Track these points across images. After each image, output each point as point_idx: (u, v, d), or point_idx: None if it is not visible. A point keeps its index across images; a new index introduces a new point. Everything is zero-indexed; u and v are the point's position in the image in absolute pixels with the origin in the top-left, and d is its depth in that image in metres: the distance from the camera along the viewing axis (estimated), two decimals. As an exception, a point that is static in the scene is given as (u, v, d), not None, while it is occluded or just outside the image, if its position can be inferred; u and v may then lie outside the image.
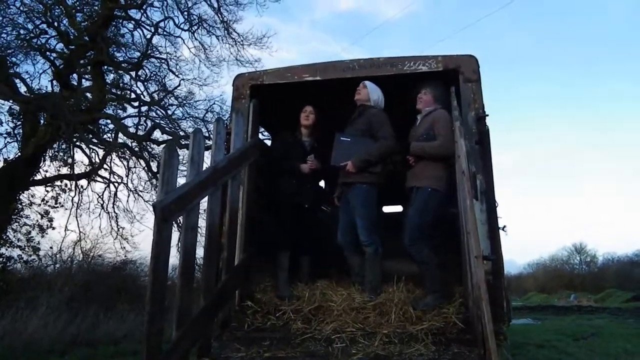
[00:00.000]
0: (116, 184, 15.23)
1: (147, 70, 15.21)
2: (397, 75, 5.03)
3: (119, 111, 15.19)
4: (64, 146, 14.23)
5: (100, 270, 14.27)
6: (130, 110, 15.41)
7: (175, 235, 6.22)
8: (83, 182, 14.92)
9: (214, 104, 15.42)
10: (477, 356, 3.59)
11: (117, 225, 15.05)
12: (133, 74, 14.94)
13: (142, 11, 14.40)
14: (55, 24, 13.56)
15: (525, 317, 18.29)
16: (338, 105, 5.16)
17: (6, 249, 12.87)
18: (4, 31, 12.96)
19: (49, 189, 14.37)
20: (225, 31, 14.86)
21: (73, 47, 13.59)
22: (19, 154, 13.21)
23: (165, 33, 14.79)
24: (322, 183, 6.60)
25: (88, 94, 14.14)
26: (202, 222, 5.62)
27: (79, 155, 15.57)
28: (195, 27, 14.86)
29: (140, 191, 15.24)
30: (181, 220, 3.79)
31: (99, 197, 15.06)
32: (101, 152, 14.83)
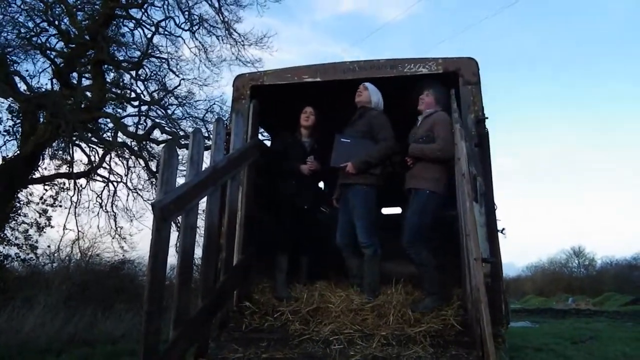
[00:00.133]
0: (115, 183, 15.24)
1: (147, 70, 15.24)
2: (397, 77, 5.04)
3: (119, 110, 15.21)
4: (63, 145, 14.24)
5: (98, 270, 14.25)
6: (130, 110, 15.44)
7: (173, 235, 6.21)
8: (82, 181, 14.94)
9: (214, 104, 15.44)
10: (475, 358, 3.59)
11: (116, 224, 15.06)
12: (133, 73, 14.96)
13: (143, 10, 14.42)
14: (56, 22, 13.57)
15: (523, 320, 18.28)
16: (338, 106, 5.16)
17: (4, 247, 12.90)
18: (5, 29, 12.97)
19: (47, 187, 14.39)
20: (226, 31, 14.88)
21: (73, 45, 13.60)
22: (18, 152, 13.21)
23: (165, 33, 14.81)
24: (321, 184, 6.60)
25: (88, 93, 14.14)
26: (200, 222, 5.62)
27: (78, 154, 15.55)
28: (196, 27, 14.87)
29: (140, 190, 15.25)
30: (180, 220, 3.78)
31: (98, 196, 15.08)
32: (100, 151, 14.84)
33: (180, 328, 3.52)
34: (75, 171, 14.49)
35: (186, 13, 14.67)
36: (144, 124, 15.07)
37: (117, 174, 15.22)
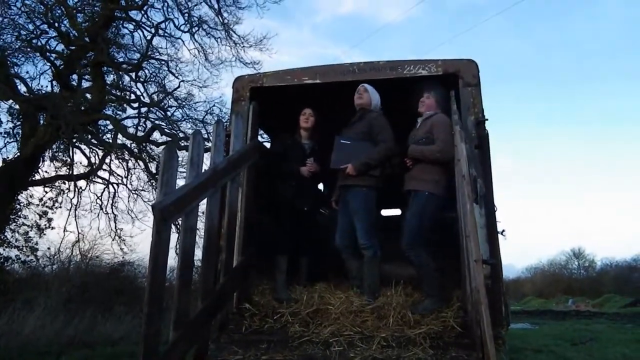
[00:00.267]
0: (115, 185, 15.24)
1: (147, 72, 15.21)
2: (397, 78, 5.04)
3: (119, 112, 15.19)
4: (63, 147, 14.24)
5: (98, 272, 14.25)
6: (130, 112, 15.42)
7: (173, 236, 6.21)
8: (82, 182, 14.95)
9: (214, 106, 15.40)
10: (475, 360, 3.58)
11: (116, 226, 15.06)
12: (133, 75, 14.94)
13: (142, 12, 14.41)
14: (56, 24, 13.56)
15: (523, 321, 18.25)
16: (337, 108, 5.17)
17: (4, 249, 12.90)
18: (5, 32, 12.98)
19: (47, 189, 14.39)
20: (226, 33, 14.87)
21: (73, 47, 13.60)
22: (18, 154, 13.21)
23: (165, 34, 14.79)
24: (320, 186, 6.61)
25: (88, 95, 14.14)
26: (200, 224, 5.61)
27: (78, 156, 15.55)
28: (196, 29, 14.87)
29: (141, 190, 15.25)
30: (180, 222, 3.78)
31: (98, 198, 15.08)
32: (100, 153, 14.84)
33: (180, 330, 3.52)
34: (75, 173, 14.51)
35: (186, 15, 14.68)
36: (144, 125, 15.07)
37: (118, 174, 15.24)
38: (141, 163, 14.83)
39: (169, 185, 3.49)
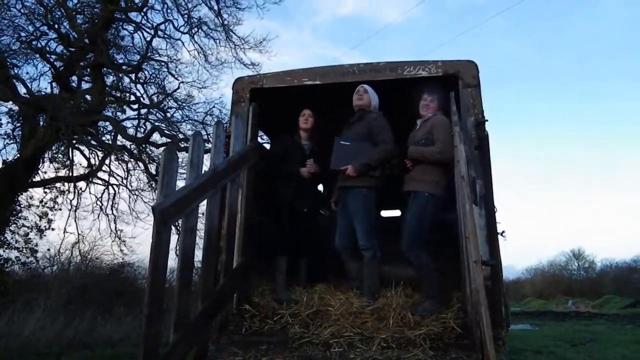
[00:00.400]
0: (115, 186, 15.25)
1: (146, 73, 15.21)
2: (397, 79, 5.04)
3: (119, 113, 15.20)
4: (63, 148, 14.25)
5: (97, 273, 14.25)
6: (130, 113, 15.42)
7: (173, 238, 6.21)
8: (82, 184, 14.95)
9: (214, 107, 15.38)
10: (475, 361, 3.58)
11: (116, 227, 15.05)
12: (133, 76, 14.94)
13: (142, 14, 14.40)
14: (56, 26, 13.55)
15: (523, 322, 18.25)
16: (337, 109, 5.16)
17: (4, 251, 12.88)
18: (5, 33, 12.99)
19: (47, 190, 14.38)
20: (225, 34, 14.86)
21: (73, 49, 13.59)
22: (18, 155, 13.21)
23: (165, 36, 14.79)
24: (320, 187, 6.60)
25: (88, 96, 14.13)
26: (200, 225, 5.61)
27: (77, 157, 15.56)
28: (195, 30, 14.87)
29: (141, 190, 15.25)
30: (180, 223, 3.79)
31: (98, 199, 15.08)
32: (100, 155, 14.84)
33: (180, 331, 3.52)
34: (74, 174, 14.51)
35: (185, 16, 14.67)
36: (144, 127, 15.08)
37: (118, 175, 15.25)
38: (141, 164, 14.84)
39: (169, 186, 3.50)
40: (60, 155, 14.48)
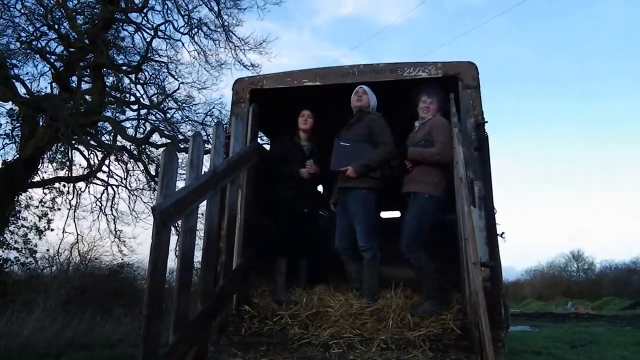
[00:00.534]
0: (114, 187, 15.25)
1: (146, 74, 15.24)
2: (397, 81, 5.04)
3: (118, 114, 15.20)
4: (62, 148, 14.24)
5: (97, 273, 14.24)
6: (130, 113, 15.44)
7: (173, 238, 6.21)
8: (81, 184, 14.95)
9: (214, 107, 15.37)
10: (474, 363, 3.58)
11: (115, 228, 15.05)
12: (133, 77, 14.97)
13: (142, 15, 14.41)
14: (56, 26, 13.57)
15: (522, 324, 18.26)
16: (337, 110, 5.16)
17: (3, 251, 12.87)
18: (5, 33, 12.99)
19: (47, 191, 14.38)
20: (225, 35, 14.87)
21: (73, 49, 13.59)
22: (18, 155, 13.20)
23: (165, 36, 14.80)
24: (320, 188, 6.60)
25: (87, 97, 14.14)
26: (200, 226, 5.62)
27: (77, 158, 15.56)
28: (195, 31, 14.87)
29: (141, 189, 15.26)
30: (180, 224, 3.79)
31: (97, 200, 15.08)
32: (100, 155, 14.85)
33: (180, 332, 3.52)
34: (74, 175, 14.50)
35: (185, 17, 14.68)
36: (143, 127, 15.09)
37: (117, 175, 15.25)
38: (140, 165, 14.84)
39: (169, 187, 3.50)
40: (59, 156, 14.50)
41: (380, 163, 4.89)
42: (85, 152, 14.60)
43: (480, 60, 4.80)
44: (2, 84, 12.07)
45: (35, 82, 14.09)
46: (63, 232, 14.20)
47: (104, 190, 15.20)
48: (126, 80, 15.19)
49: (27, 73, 17.43)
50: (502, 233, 4.53)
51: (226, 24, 14.81)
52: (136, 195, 15.21)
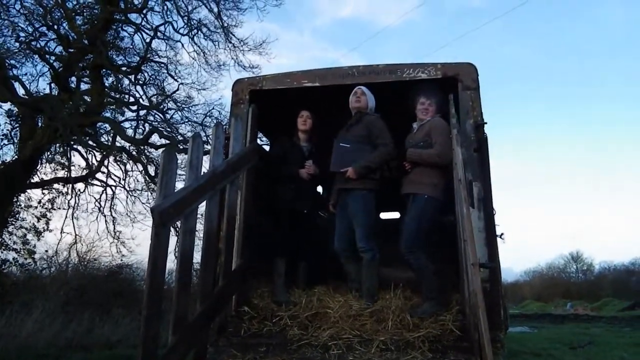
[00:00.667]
0: (113, 187, 15.24)
1: (146, 74, 15.22)
2: (396, 82, 5.04)
3: (117, 115, 15.19)
4: (61, 149, 14.22)
5: (95, 274, 14.22)
6: (129, 114, 15.42)
7: (172, 239, 6.20)
8: (80, 185, 14.93)
9: (213, 108, 15.36)
10: (474, 364, 3.58)
11: (114, 228, 15.04)
12: (132, 77, 14.94)
13: (142, 15, 14.40)
14: (55, 27, 13.53)
15: (521, 325, 18.28)
16: (336, 111, 5.16)
17: (1, 252, 12.84)
18: (4, 33, 12.98)
19: (45, 191, 14.36)
20: (225, 36, 14.86)
21: (72, 50, 13.58)
22: (16, 156, 13.19)
23: (164, 37, 14.78)
24: (319, 189, 6.60)
25: (87, 97, 14.13)
26: (199, 227, 5.62)
27: (76, 158, 15.56)
28: (195, 32, 14.86)
29: (139, 191, 15.25)
30: (179, 225, 3.79)
31: (97, 200, 15.07)
32: (98, 155, 14.84)
33: (179, 333, 3.52)
34: (73, 175, 14.49)
35: (185, 18, 14.68)
36: (143, 128, 15.08)
37: (116, 176, 15.24)
38: (139, 165, 14.84)
39: (168, 187, 3.50)
40: (58, 156, 14.48)
41: (380, 164, 4.89)
42: (84, 153, 14.61)
43: (479, 61, 4.80)
44: (1, 84, 12.06)
45: (34, 83, 14.07)
46: (61, 233, 14.20)
47: (102, 191, 15.21)
48: (125, 81, 15.17)
49: (26, 73, 17.34)
50: (501, 234, 4.54)
51: (226, 25, 14.82)
52: (135, 196, 15.22)
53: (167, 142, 13.94)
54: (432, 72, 4.96)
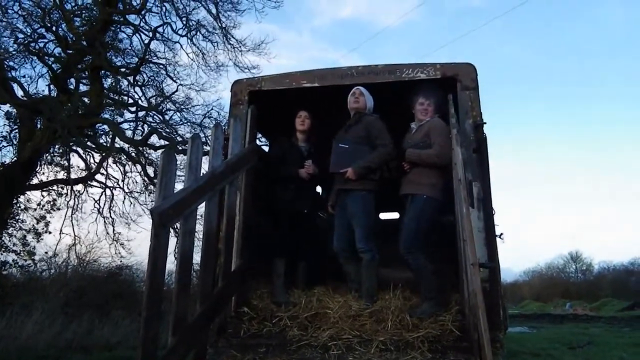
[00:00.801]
0: (112, 189, 15.24)
1: (144, 76, 15.21)
2: (395, 82, 5.05)
3: (116, 116, 15.18)
4: (60, 150, 14.22)
5: (95, 275, 14.21)
6: (128, 115, 15.43)
7: (172, 240, 6.20)
8: (79, 186, 14.93)
9: (212, 109, 15.36)
10: (473, 364, 3.58)
11: (113, 230, 15.03)
12: (131, 79, 14.95)
13: (140, 16, 14.40)
14: (54, 28, 13.53)
15: (521, 325, 18.29)
16: (335, 111, 5.17)
17: (1, 254, 12.85)
18: (2, 35, 12.98)
19: (45, 193, 14.36)
20: (224, 37, 14.87)
21: (71, 51, 13.59)
22: (15, 158, 13.18)
23: (163, 38, 14.79)
24: (318, 189, 6.60)
25: (85, 99, 14.13)
26: (199, 227, 5.61)
27: (75, 160, 15.54)
28: (194, 33, 14.86)
29: (138, 193, 15.25)
30: (179, 226, 3.79)
31: (96, 202, 15.06)
32: (97, 157, 14.84)
33: (179, 334, 3.52)
34: (72, 177, 14.49)
35: (183, 19, 14.67)
36: (142, 129, 15.09)
37: (114, 178, 15.24)
38: (138, 167, 14.84)
39: (168, 189, 3.50)
40: (57, 158, 14.48)
41: (380, 165, 4.89)
42: (83, 154, 14.61)
43: (479, 61, 4.81)
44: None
45: (33, 84, 14.06)
46: (60, 233, 14.20)
47: (102, 192, 15.21)
48: (124, 82, 15.17)
49: (25, 75, 17.36)
50: (501, 234, 4.54)
51: (224, 26, 14.82)
52: (134, 197, 15.22)
53: (166, 143, 13.94)
54: (431, 73, 4.96)
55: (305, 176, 5.22)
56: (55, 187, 14.57)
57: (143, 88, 15.25)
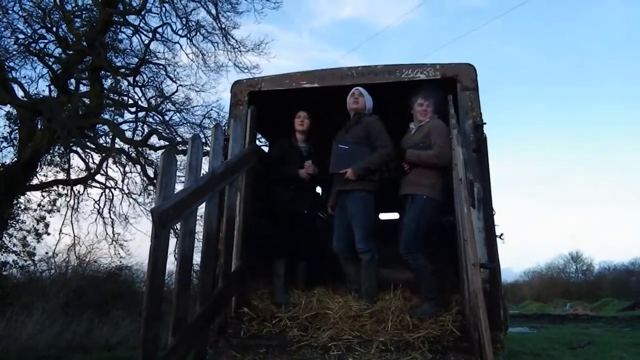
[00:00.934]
0: (112, 189, 15.24)
1: (144, 76, 15.23)
2: (395, 82, 5.05)
3: (116, 116, 15.18)
4: (60, 151, 14.23)
5: (95, 276, 14.20)
6: (128, 116, 15.43)
7: (172, 241, 6.20)
8: (79, 187, 14.92)
9: (212, 110, 15.37)
10: (473, 364, 3.58)
11: (113, 230, 15.03)
12: (131, 79, 14.96)
13: (140, 17, 14.42)
14: (54, 29, 13.55)
15: (521, 325, 18.27)
16: (335, 112, 5.17)
17: (1, 254, 12.84)
18: (3, 36, 12.99)
19: (45, 194, 14.35)
20: (224, 37, 14.87)
21: (71, 52, 13.60)
22: (16, 158, 13.19)
23: (163, 39, 14.80)
24: (318, 189, 6.60)
25: (85, 99, 14.14)
26: (199, 228, 5.61)
27: (75, 160, 15.55)
28: (193, 33, 14.87)
29: (137, 194, 15.25)
30: (179, 226, 3.79)
31: (96, 202, 15.06)
32: (97, 157, 14.84)
33: (179, 334, 3.52)
34: (72, 177, 14.49)
35: (183, 19, 14.69)
36: (141, 130, 15.09)
37: (114, 178, 15.24)
38: (138, 167, 14.83)
39: (168, 189, 3.50)
40: (57, 158, 14.48)
41: (380, 165, 4.89)
42: (83, 155, 14.61)
43: (479, 61, 4.81)
44: (0, 86, 12.06)
45: (33, 85, 14.07)
46: (60, 234, 14.19)
47: (102, 193, 15.21)
48: (124, 83, 15.18)
49: (25, 76, 17.38)
50: (501, 234, 4.54)
51: (224, 26, 14.83)
52: (133, 198, 15.22)
53: (166, 143, 13.94)
54: (431, 73, 4.96)
55: (305, 176, 5.22)
56: (55, 188, 14.58)
57: (143, 88, 15.29)
